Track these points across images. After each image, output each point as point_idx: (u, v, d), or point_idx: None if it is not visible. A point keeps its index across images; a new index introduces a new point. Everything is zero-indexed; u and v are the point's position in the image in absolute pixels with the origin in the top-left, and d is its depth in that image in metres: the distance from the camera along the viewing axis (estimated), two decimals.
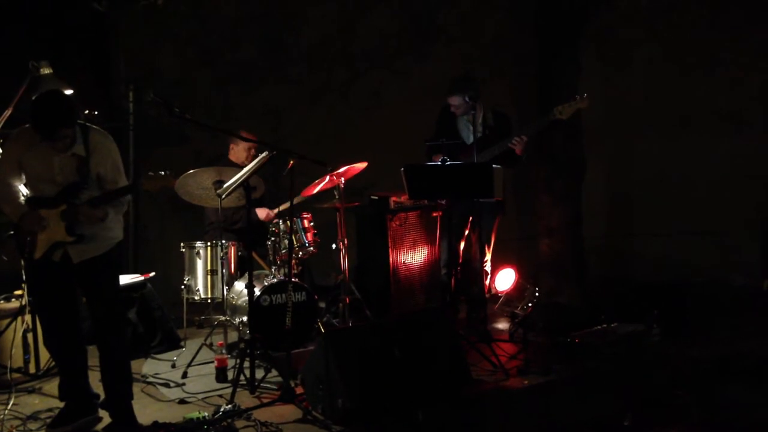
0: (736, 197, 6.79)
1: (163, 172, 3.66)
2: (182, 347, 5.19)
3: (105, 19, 6.47)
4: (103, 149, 3.66)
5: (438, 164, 4.54)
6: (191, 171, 4.57)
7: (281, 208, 5.54)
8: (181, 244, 5.11)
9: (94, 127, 3.68)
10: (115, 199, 3.63)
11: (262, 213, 5.62)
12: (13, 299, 4.78)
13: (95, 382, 3.95)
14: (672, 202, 7.00)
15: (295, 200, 4.58)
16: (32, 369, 4.66)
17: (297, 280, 5.06)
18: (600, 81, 6.83)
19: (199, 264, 5.05)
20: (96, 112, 6.05)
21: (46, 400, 4.26)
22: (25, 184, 3.68)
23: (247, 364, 4.30)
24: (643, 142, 7.17)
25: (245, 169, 4.27)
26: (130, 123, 6.71)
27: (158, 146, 6.82)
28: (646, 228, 7.14)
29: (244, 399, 4.15)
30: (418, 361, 4.03)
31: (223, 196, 4.40)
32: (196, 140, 6.73)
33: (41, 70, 4.50)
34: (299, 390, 4.13)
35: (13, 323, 4.58)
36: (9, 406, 4.05)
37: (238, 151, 5.68)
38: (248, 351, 4.32)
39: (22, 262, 3.89)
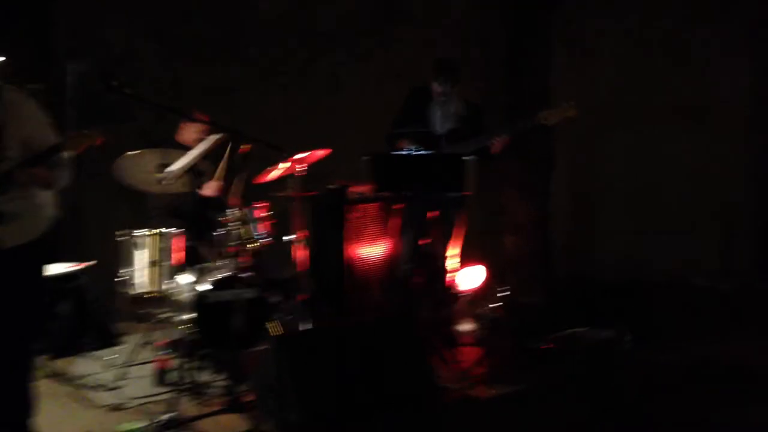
0: (699, 196, 6.72)
1: (86, 131, 3.14)
2: (119, 345, 4.79)
3: None
4: (22, 110, 3.12)
5: (407, 154, 4.21)
6: (132, 152, 4.14)
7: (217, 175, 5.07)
8: (117, 233, 4.67)
9: (10, 86, 3.14)
10: (45, 161, 3.06)
11: (209, 188, 5.18)
12: None
13: None
14: (636, 199, 6.90)
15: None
16: None
17: (247, 274, 4.68)
18: (567, 73, 6.63)
19: (139, 254, 4.61)
20: (41, 86, 5.58)
21: None
22: None
23: (190, 365, 3.92)
24: (610, 137, 7.02)
25: (192, 153, 3.87)
26: (70, 98, 6.22)
27: (101, 125, 6.33)
28: (610, 225, 7.02)
29: (187, 406, 3.77)
30: (378, 369, 3.72)
31: (168, 182, 3.99)
32: (143, 119, 6.27)
33: None
34: (248, 397, 3.77)
35: None
36: None
37: (188, 132, 5.27)
38: (191, 352, 3.94)
39: None
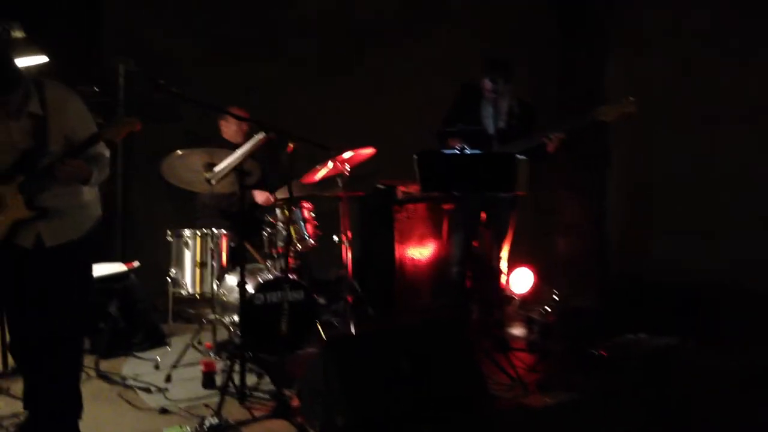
0: (763, 196, 6.38)
1: (125, 118, 3.10)
2: (167, 345, 4.76)
3: None
4: (65, 105, 3.08)
5: (456, 152, 4.07)
6: (179, 152, 4.09)
7: (280, 196, 5.05)
8: (168, 232, 4.64)
9: (53, 82, 3.12)
10: (85, 150, 3.04)
11: (261, 196, 5.14)
12: None
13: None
14: (695, 198, 6.57)
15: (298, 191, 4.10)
16: (1, 366, 4.22)
17: (294, 276, 4.61)
18: (622, 69, 6.37)
19: (188, 255, 4.57)
20: (92, 87, 5.58)
21: (13, 403, 3.81)
22: None
23: (237, 368, 3.85)
24: (668, 134, 6.71)
25: (238, 152, 3.80)
26: (119, 99, 6.23)
27: (148, 124, 6.33)
28: (668, 226, 6.71)
29: (233, 410, 3.70)
30: (427, 374, 3.58)
31: (214, 182, 3.93)
32: (189, 118, 6.25)
33: (12, 33, 4.01)
34: (295, 402, 3.69)
35: None
36: None
37: (229, 128, 5.23)
38: (238, 354, 3.87)
39: None
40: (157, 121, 6.21)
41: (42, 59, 4.34)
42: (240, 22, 6.50)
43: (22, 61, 4.21)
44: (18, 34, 4.04)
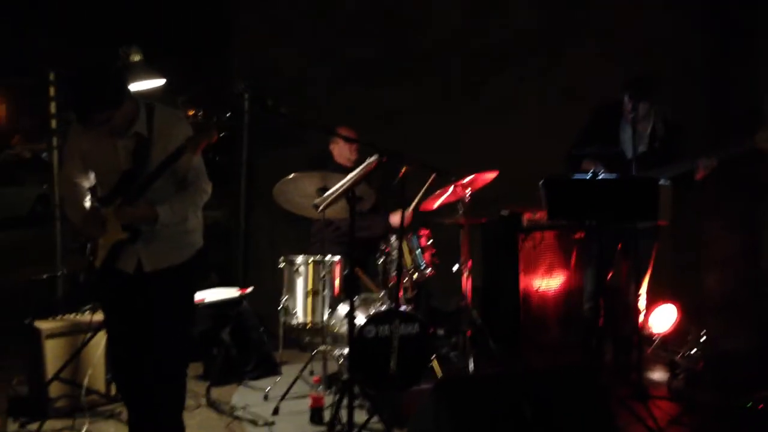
0: None
1: (204, 128, 2.92)
2: (278, 374, 4.62)
3: (221, 11, 6.08)
4: (172, 131, 3.01)
5: (587, 178, 3.67)
6: (291, 175, 3.95)
7: (413, 204, 4.70)
8: (280, 259, 4.51)
9: (163, 106, 3.09)
10: (169, 166, 2.93)
11: (395, 218, 4.83)
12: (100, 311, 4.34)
13: None
14: None
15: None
16: (114, 390, 4.21)
17: (409, 307, 4.33)
18: None
19: (299, 282, 4.41)
20: (228, 115, 5.63)
21: (123, 428, 3.77)
22: (93, 187, 3.16)
23: (346, 404, 3.60)
24: None
25: (348, 177, 3.59)
26: (245, 122, 6.27)
27: (273, 148, 6.33)
28: None
29: None
30: (555, 425, 3.19)
31: (321, 208, 3.74)
32: (313, 142, 6.17)
33: (131, 57, 4.04)
34: None
35: (94, 338, 4.13)
36: None
37: (340, 151, 5.07)
38: (347, 389, 3.63)
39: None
40: (282, 145, 6.21)
41: (160, 82, 4.35)
42: (367, 45, 6.38)
43: (141, 84, 4.25)
44: (136, 57, 4.07)
